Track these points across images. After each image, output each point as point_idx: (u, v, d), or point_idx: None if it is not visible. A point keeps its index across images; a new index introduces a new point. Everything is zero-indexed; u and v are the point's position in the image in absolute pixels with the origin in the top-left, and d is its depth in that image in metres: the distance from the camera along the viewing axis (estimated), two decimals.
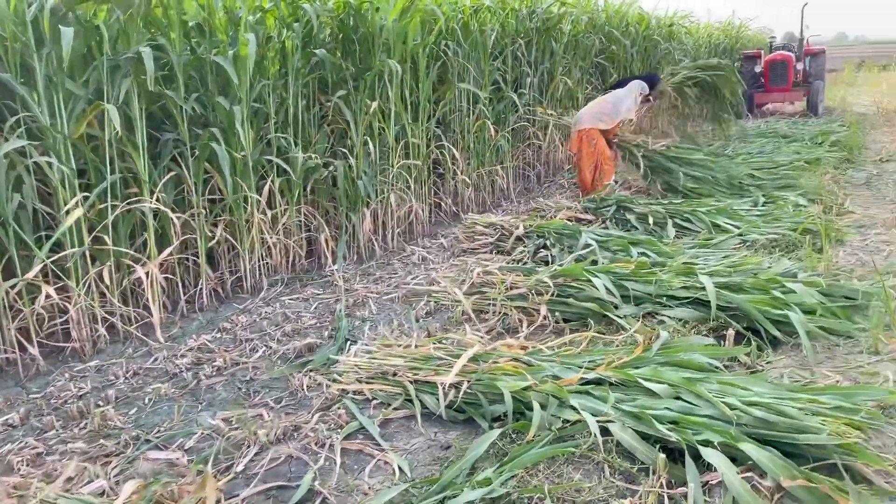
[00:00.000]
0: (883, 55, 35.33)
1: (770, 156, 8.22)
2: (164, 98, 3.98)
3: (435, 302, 4.21)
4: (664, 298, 3.77)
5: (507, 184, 7.12)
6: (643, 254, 4.51)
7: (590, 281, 3.89)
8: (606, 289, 3.79)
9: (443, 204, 6.29)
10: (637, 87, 7.02)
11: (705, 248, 4.79)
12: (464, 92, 6.26)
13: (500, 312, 3.91)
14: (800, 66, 13.93)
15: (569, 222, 5.17)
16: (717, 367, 3.01)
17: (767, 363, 3.26)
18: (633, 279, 3.94)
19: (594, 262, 4.52)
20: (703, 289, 3.69)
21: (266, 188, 4.50)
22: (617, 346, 3.36)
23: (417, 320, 3.97)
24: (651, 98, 8.66)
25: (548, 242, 4.93)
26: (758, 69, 13.86)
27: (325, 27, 5.07)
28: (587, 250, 4.66)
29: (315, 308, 4.25)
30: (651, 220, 5.44)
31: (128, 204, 3.81)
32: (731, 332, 3.40)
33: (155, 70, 3.57)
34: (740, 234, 5.00)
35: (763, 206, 5.88)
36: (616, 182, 6.97)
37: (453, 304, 4.11)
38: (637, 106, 7.07)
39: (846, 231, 5.34)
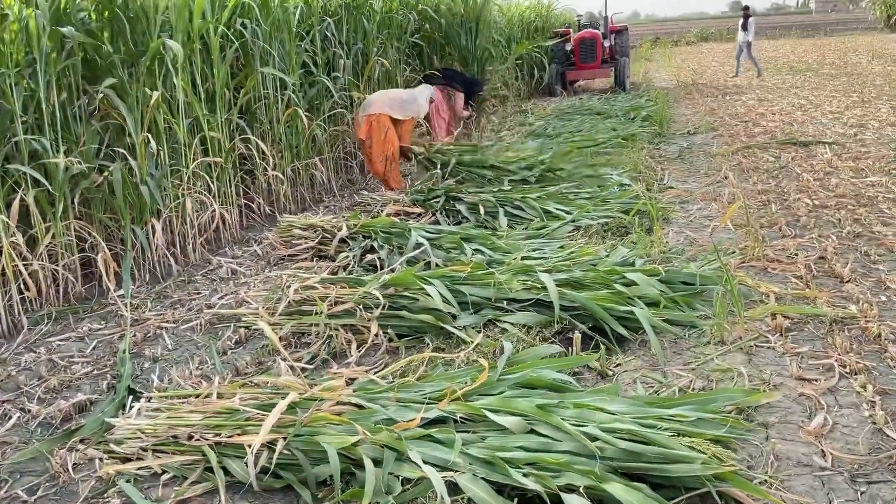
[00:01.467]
0: (672, 31, 38.46)
1: (589, 133, 8.28)
2: None
3: (246, 327, 3.57)
4: (505, 302, 3.41)
5: (328, 177, 6.51)
6: (478, 251, 4.14)
7: (423, 289, 3.44)
8: (442, 297, 3.36)
9: (255, 204, 5.57)
10: (428, 91, 6.52)
11: (539, 237, 4.52)
12: (269, 77, 5.56)
13: (324, 334, 3.35)
14: (606, 44, 14.47)
15: (396, 219, 4.69)
16: (568, 384, 2.67)
17: (617, 366, 3.01)
18: (471, 283, 3.55)
19: (427, 265, 4.09)
20: (545, 288, 3.37)
21: (16, 204, 3.58)
22: (459, 365, 2.94)
23: (224, 354, 3.32)
24: (471, 106, 8.41)
25: (375, 244, 4.42)
26: (568, 47, 14.22)
27: (87, 2, 4.17)
28: (419, 251, 4.21)
29: (93, 349, 3.45)
30: (482, 210, 5.11)
31: None
32: (577, 336, 3.11)
33: None
34: (573, 221, 4.79)
35: (590, 187, 5.77)
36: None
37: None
38: (426, 108, 6.50)
39: (670, 208, 5.35)
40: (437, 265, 4.07)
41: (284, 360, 3.03)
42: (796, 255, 4.20)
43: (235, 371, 3.09)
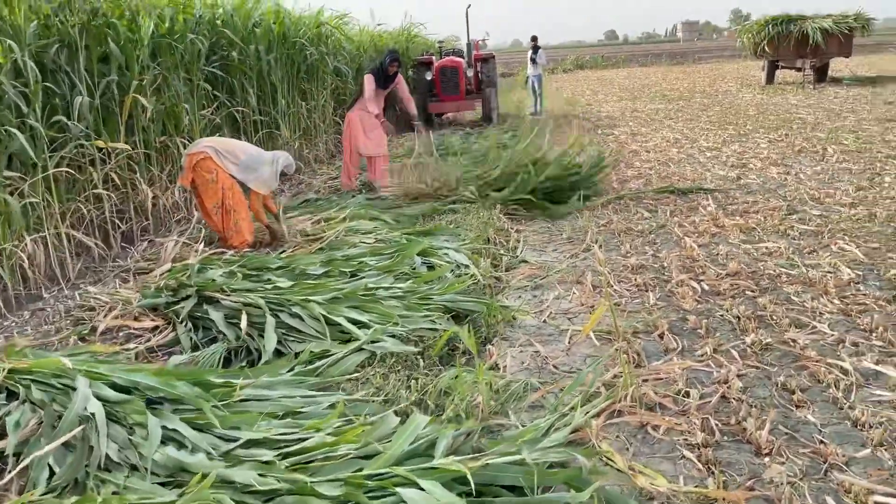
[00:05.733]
0: (551, 59, 38.49)
1: None
2: None
3: None
4: None
5: (57, 262, 4.62)
6: (170, 440, 2.42)
7: None
8: None
9: None
10: (282, 159, 5.26)
11: (306, 379, 2.89)
12: None
13: None
14: (471, 73, 13.19)
15: (67, 363, 2.90)
16: None
17: None
18: None
19: (86, 467, 2.36)
20: None
21: None
22: None
23: None
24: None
25: (22, 410, 2.63)
26: (429, 76, 12.80)
27: None
28: (79, 429, 2.45)
29: None
30: (245, 322, 3.42)
31: None
32: None
33: None
34: (372, 341, 3.19)
35: (415, 269, 4.22)
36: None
37: None
38: (277, 180, 5.26)
39: (517, 306, 3.85)
40: (100, 453, 2.35)
41: None
42: (687, 394, 2.79)
43: None
